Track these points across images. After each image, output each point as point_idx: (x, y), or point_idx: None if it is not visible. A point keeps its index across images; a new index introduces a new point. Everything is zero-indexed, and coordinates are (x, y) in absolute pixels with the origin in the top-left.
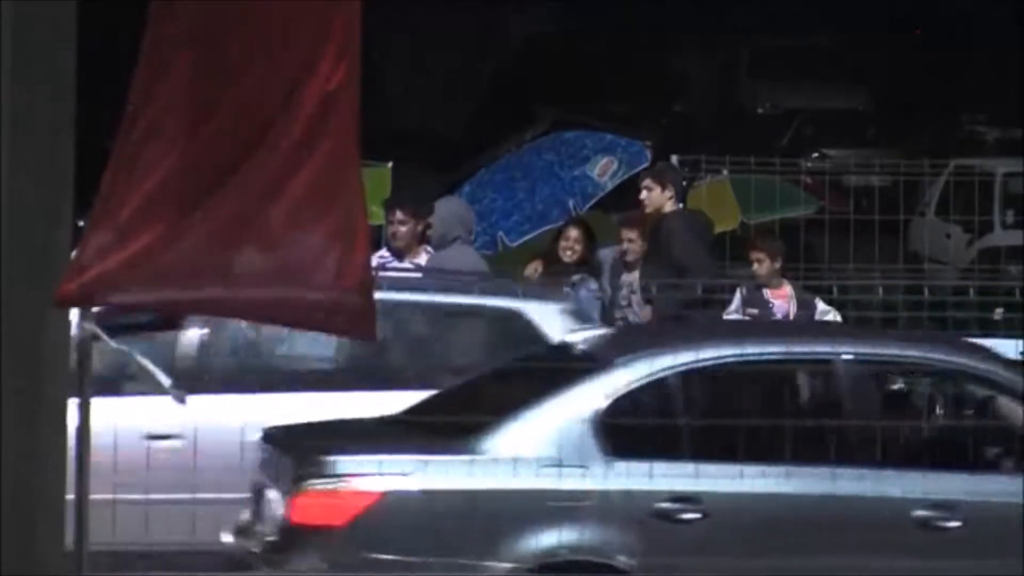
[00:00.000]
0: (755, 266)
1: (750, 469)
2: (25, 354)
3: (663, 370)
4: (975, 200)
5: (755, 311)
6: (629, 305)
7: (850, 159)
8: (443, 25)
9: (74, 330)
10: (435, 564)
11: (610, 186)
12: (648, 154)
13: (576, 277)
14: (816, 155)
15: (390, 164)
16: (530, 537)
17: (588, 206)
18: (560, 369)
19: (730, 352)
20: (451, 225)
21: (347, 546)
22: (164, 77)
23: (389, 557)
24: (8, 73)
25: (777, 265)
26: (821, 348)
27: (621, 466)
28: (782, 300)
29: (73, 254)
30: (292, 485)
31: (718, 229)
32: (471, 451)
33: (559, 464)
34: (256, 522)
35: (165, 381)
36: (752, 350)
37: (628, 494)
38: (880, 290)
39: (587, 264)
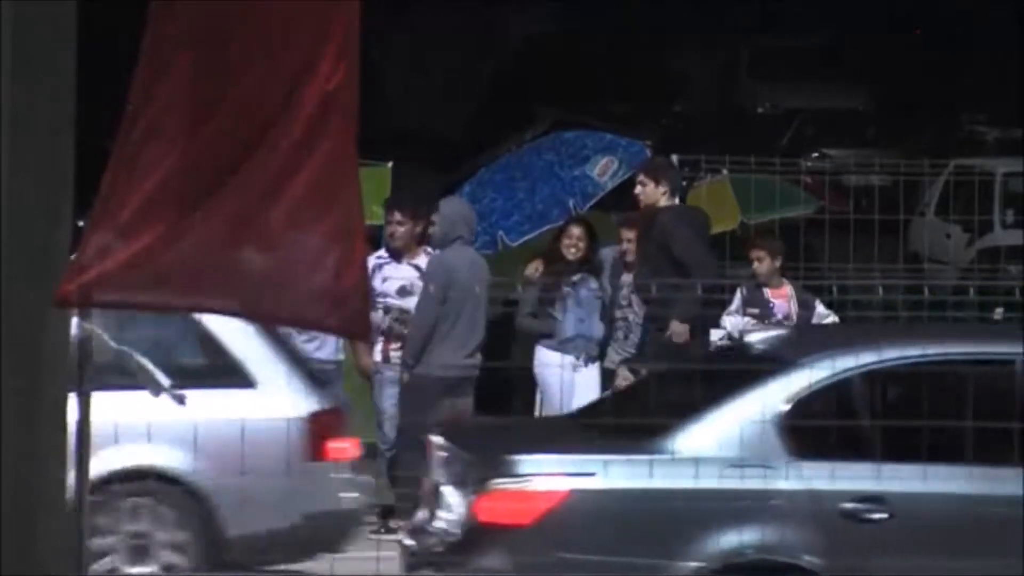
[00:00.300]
0: (755, 266)
1: (934, 469)
2: (25, 354)
3: (846, 371)
4: (975, 200)
5: (755, 311)
6: (629, 305)
7: (850, 159)
8: (443, 25)
9: (74, 330)
10: (621, 564)
11: (610, 186)
12: (648, 154)
13: (576, 277)
14: (816, 155)
15: (390, 164)
16: (715, 537)
17: (588, 206)
18: (741, 370)
19: (913, 352)
20: (454, 224)
21: (533, 545)
22: (164, 77)
23: (575, 556)
24: (8, 73)
25: (777, 265)
26: (1004, 348)
27: (805, 466)
28: (782, 300)
29: (73, 254)
30: (477, 485)
31: (718, 229)
32: (655, 451)
33: (743, 464)
34: (434, 522)
35: (164, 381)
36: (934, 350)
37: (813, 494)
38: (880, 290)
39: (588, 263)
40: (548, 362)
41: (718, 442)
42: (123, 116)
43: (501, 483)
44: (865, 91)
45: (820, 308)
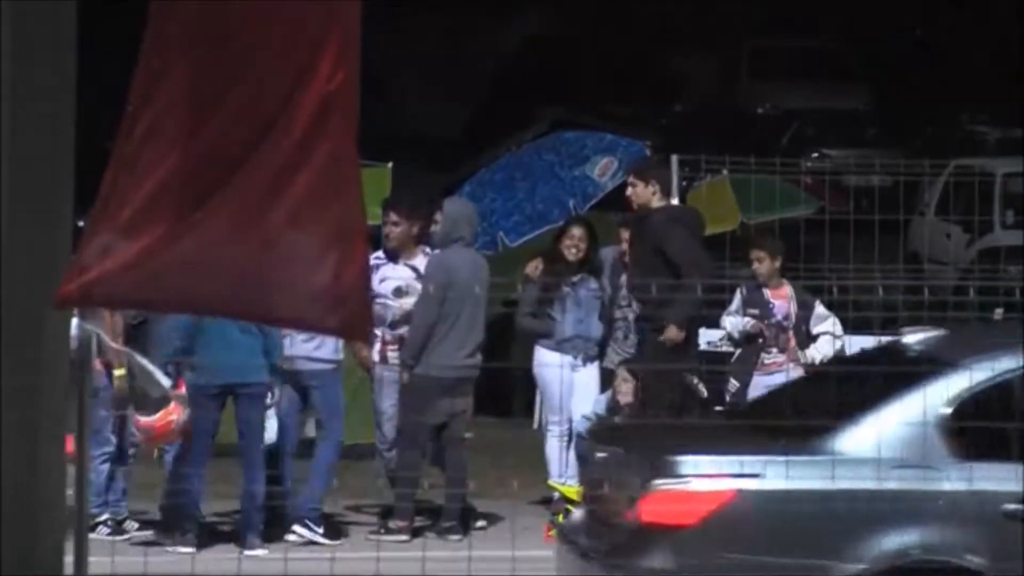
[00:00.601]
0: (755, 266)
1: None
2: (25, 354)
3: (1008, 371)
4: (975, 200)
5: (755, 311)
6: (629, 305)
7: (850, 159)
8: (444, 25)
9: (74, 330)
10: (784, 565)
11: (610, 186)
12: (648, 154)
13: (576, 277)
14: (816, 155)
15: (390, 164)
16: (879, 538)
17: (588, 206)
18: (902, 371)
19: None
20: (457, 224)
21: (697, 546)
22: (164, 77)
23: (739, 557)
24: (8, 72)
25: (777, 265)
26: None
27: (968, 467)
28: (782, 300)
29: (73, 254)
30: (640, 485)
31: (718, 229)
32: (817, 452)
33: (906, 465)
34: (592, 522)
35: (165, 382)
36: None
37: (977, 495)
38: (880, 290)
39: (588, 264)
40: (547, 362)
41: (880, 443)
42: (123, 116)
43: (664, 484)
44: (865, 91)
45: (820, 309)
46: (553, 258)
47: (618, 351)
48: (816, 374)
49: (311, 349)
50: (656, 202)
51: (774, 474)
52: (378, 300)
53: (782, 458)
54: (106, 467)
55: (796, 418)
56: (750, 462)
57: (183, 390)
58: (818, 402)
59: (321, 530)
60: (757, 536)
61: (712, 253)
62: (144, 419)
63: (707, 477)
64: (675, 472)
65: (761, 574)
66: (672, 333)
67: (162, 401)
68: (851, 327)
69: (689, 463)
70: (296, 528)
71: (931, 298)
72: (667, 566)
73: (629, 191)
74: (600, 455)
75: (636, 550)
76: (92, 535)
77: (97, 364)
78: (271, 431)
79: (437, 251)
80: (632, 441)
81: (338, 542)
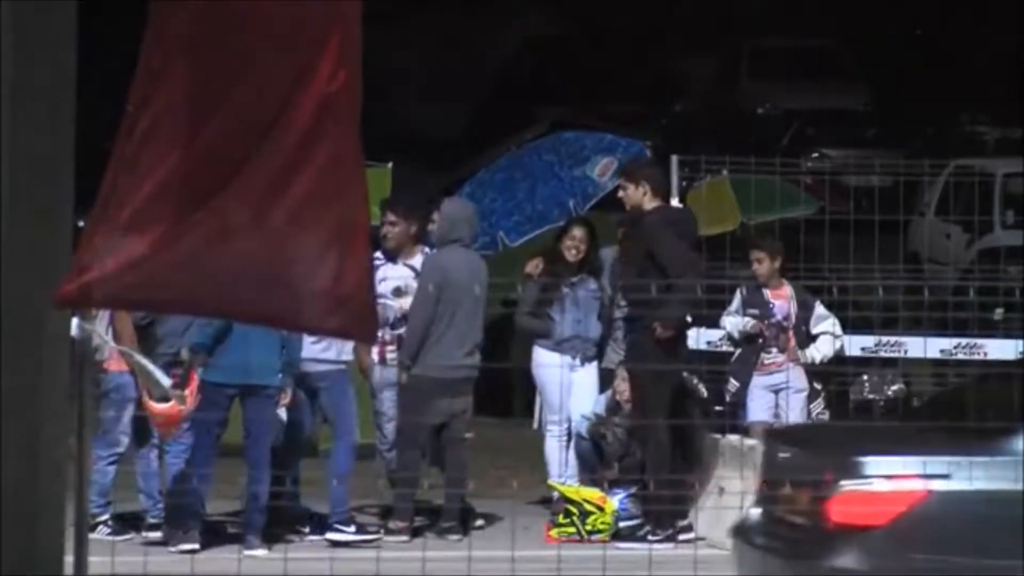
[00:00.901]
0: (755, 266)
1: None
2: (25, 354)
3: None
4: (975, 200)
5: (755, 311)
6: (627, 305)
7: (850, 159)
8: (444, 25)
9: (74, 330)
10: (974, 566)
11: (610, 186)
12: (648, 154)
13: (575, 278)
14: (816, 155)
15: (390, 164)
16: None
17: (588, 206)
18: None
19: None
20: (455, 225)
21: (887, 547)
22: (165, 78)
23: (929, 557)
24: (9, 73)
25: (777, 266)
26: None
27: None
28: (782, 300)
29: (73, 254)
30: (827, 486)
31: (718, 229)
32: (1004, 453)
33: None
34: (774, 521)
35: (165, 382)
36: None
37: None
38: (880, 290)
39: (588, 265)
40: (546, 362)
41: None
42: (123, 116)
43: (854, 485)
44: (865, 91)
45: (820, 309)
46: (553, 258)
47: (617, 351)
48: (997, 373)
49: (318, 351)
50: (648, 203)
51: (962, 475)
52: (378, 300)
53: (970, 459)
54: (113, 468)
55: (978, 419)
56: (938, 463)
57: (193, 386)
58: (1000, 402)
59: (352, 529)
60: (946, 537)
61: (712, 253)
62: (157, 406)
63: (896, 478)
64: (863, 473)
65: (950, 575)
66: (658, 332)
67: (162, 400)
68: (851, 327)
69: (877, 464)
70: (328, 535)
71: (931, 298)
72: (857, 566)
73: (621, 193)
74: (783, 456)
75: (825, 550)
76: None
77: (111, 365)
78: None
79: (433, 251)
80: (816, 442)
81: (375, 537)
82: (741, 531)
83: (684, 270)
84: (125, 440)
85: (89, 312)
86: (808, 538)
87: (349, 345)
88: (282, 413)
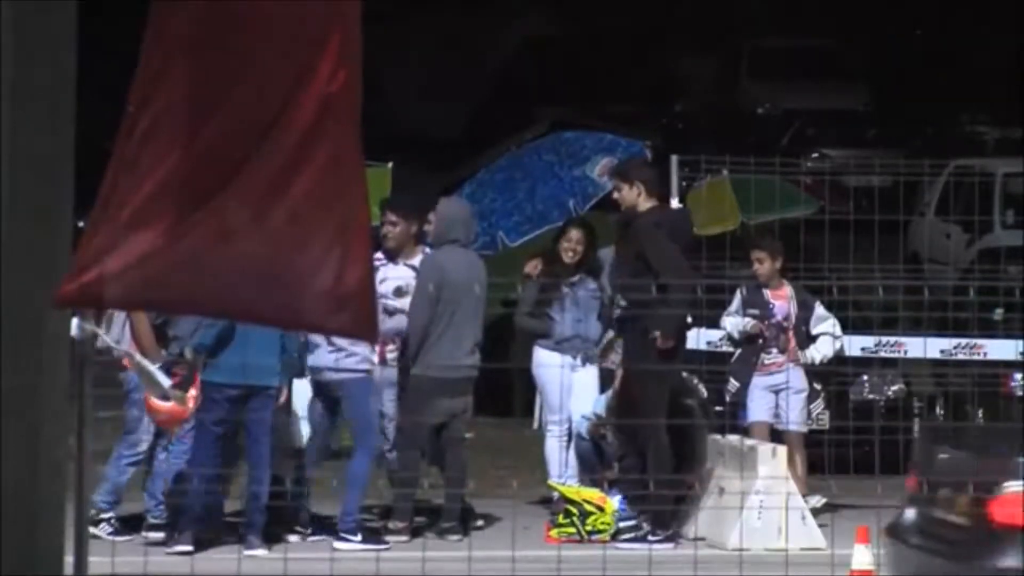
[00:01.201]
0: (755, 266)
1: None
2: (25, 354)
3: None
4: (975, 200)
5: (755, 311)
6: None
7: (850, 159)
8: (444, 25)
9: (74, 330)
10: None
11: (610, 186)
12: (648, 154)
13: (575, 277)
14: (816, 155)
15: (390, 164)
16: None
17: (588, 206)
18: None
19: None
20: (451, 225)
21: None
22: (165, 77)
23: None
24: (9, 73)
25: (777, 266)
26: None
27: None
28: (782, 301)
29: (73, 254)
30: (990, 487)
31: (718, 229)
32: None
33: None
34: (932, 521)
35: (165, 382)
36: None
37: None
38: (880, 290)
39: (585, 266)
40: (546, 363)
41: None
42: (123, 116)
43: (1017, 486)
44: (865, 91)
45: (820, 309)
46: (551, 259)
47: (618, 351)
48: None
49: (333, 360)
50: (643, 203)
51: None
52: (380, 301)
53: None
54: (132, 469)
55: None
56: None
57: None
58: None
59: (359, 538)
60: None
61: (712, 253)
62: (159, 403)
63: None
64: None
65: None
66: (659, 343)
67: (163, 400)
68: (851, 327)
69: None
70: (335, 544)
71: (931, 298)
72: (1020, 566)
73: (616, 194)
74: (943, 456)
75: (987, 550)
76: (94, 530)
77: (129, 364)
78: (304, 434)
79: (431, 251)
80: (977, 443)
81: (384, 547)
82: (896, 531)
83: (671, 273)
84: (147, 440)
85: (89, 312)
86: (970, 539)
87: (367, 351)
88: (304, 420)
